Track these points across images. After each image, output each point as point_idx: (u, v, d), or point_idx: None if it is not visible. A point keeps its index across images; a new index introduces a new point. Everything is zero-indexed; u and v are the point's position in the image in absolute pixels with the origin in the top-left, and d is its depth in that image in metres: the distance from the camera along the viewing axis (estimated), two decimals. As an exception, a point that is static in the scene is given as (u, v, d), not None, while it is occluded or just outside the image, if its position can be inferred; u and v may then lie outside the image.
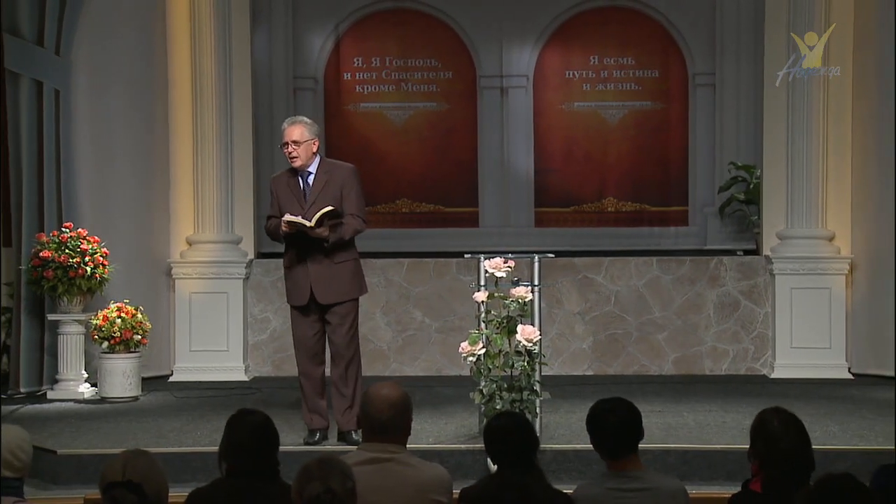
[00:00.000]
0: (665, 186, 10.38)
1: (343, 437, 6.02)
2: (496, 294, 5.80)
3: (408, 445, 5.76)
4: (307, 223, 5.79)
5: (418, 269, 9.03)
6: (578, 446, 5.71)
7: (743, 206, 10.14)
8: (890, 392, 7.68)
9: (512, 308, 5.70)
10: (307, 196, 6.00)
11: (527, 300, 5.72)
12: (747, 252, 9.61)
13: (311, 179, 6.03)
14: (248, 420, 3.41)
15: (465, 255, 6.37)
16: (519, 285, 5.78)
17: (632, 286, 8.94)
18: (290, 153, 5.96)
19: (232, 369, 8.72)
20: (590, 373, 8.89)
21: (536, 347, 5.72)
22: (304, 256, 5.95)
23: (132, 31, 8.56)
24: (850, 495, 2.52)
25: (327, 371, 6.21)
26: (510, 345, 5.74)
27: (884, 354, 8.39)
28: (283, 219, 5.86)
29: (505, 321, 5.71)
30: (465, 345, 5.72)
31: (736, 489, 3.65)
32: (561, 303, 8.95)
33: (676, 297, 8.92)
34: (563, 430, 6.22)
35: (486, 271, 5.82)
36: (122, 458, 2.95)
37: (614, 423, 3.54)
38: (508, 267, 5.75)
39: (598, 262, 9.01)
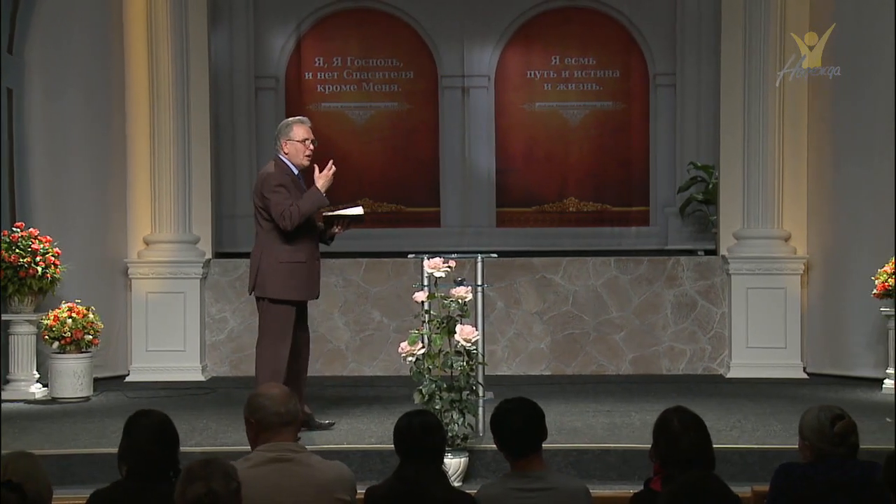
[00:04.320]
0: (626, 186, 10.40)
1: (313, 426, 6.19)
2: (437, 294, 5.79)
3: (350, 444, 5.84)
4: (362, 213, 6.16)
5: (376, 269, 9.02)
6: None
7: (702, 206, 10.16)
8: (841, 391, 7.73)
9: (452, 308, 5.70)
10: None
11: (467, 300, 5.71)
12: (707, 252, 9.63)
13: (301, 180, 6.22)
14: (145, 421, 3.39)
15: (409, 256, 6.38)
16: (461, 285, 5.78)
17: (590, 286, 8.95)
18: (311, 151, 6.18)
19: (189, 369, 8.70)
20: (547, 373, 8.89)
21: (475, 347, 5.71)
22: (314, 251, 6.18)
23: (87, 30, 8.51)
24: (709, 495, 2.53)
25: None
26: (450, 345, 5.73)
27: (839, 354, 8.42)
28: (336, 212, 6.14)
29: (445, 321, 5.70)
30: (404, 345, 5.70)
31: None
32: (519, 303, 8.95)
33: (634, 297, 8.93)
34: (507, 431, 6.19)
35: (427, 271, 5.82)
36: (4, 459, 2.94)
37: (517, 423, 3.54)
38: (448, 267, 5.73)
39: (556, 261, 9.02)
